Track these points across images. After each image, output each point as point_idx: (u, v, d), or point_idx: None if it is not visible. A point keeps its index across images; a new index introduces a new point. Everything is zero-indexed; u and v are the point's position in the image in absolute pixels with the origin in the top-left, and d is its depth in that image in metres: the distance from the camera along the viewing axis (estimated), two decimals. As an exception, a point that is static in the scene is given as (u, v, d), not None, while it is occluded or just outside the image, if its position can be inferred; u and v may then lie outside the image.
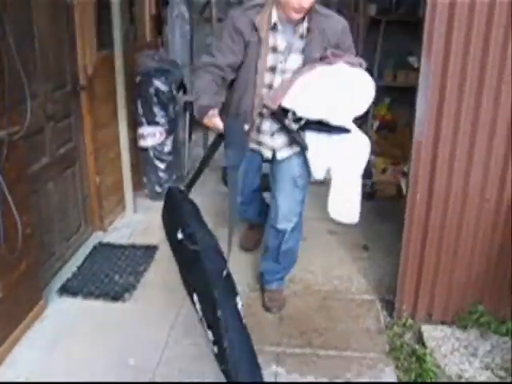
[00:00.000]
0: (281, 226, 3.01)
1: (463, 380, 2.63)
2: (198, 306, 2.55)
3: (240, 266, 3.55)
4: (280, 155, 2.90)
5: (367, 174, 4.70)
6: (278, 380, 2.65)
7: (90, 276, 3.44)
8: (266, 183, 3.16)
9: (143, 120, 4.42)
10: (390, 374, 2.72)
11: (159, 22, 5.30)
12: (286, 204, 2.96)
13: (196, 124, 5.14)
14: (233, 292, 2.45)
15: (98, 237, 3.97)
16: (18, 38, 2.67)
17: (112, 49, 3.88)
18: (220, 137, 2.58)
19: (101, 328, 2.98)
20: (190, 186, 2.80)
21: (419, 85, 2.67)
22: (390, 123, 5.74)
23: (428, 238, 2.89)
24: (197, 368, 2.69)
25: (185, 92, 4.99)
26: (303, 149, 2.76)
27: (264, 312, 3.17)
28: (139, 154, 4.56)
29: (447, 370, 2.70)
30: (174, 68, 4.70)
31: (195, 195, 2.89)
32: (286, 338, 2.96)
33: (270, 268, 3.22)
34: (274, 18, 2.64)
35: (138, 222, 4.24)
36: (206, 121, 2.59)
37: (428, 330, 2.95)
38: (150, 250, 3.76)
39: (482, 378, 2.65)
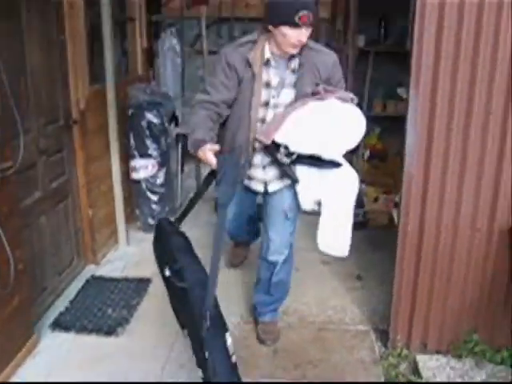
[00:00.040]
0: (272, 258, 3.03)
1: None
2: (189, 342, 2.51)
3: (233, 298, 3.55)
4: (271, 188, 2.92)
5: (359, 203, 4.72)
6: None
7: (82, 310, 3.42)
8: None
9: (135, 153, 4.43)
10: (385, 405, 2.71)
11: (151, 55, 5.37)
12: (277, 237, 2.98)
13: (188, 156, 5.16)
14: (222, 329, 2.35)
15: (90, 270, 3.95)
16: (11, 74, 2.70)
17: (104, 82, 3.92)
18: (212, 173, 2.58)
19: (94, 364, 2.95)
20: (180, 219, 2.77)
21: (408, 116, 2.71)
22: (380, 152, 5.77)
23: (421, 265, 2.90)
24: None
25: (177, 124, 5.02)
26: (294, 182, 2.78)
27: (258, 344, 3.15)
28: (132, 187, 4.56)
29: (443, 401, 2.69)
30: (165, 100, 4.73)
31: (189, 226, 2.88)
32: (281, 370, 2.94)
33: (262, 300, 3.21)
34: (267, 54, 2.68)
35: (131, 254, 4.23)
36: (200, 154, 2.58)
37: (423, 360, 2.94)
38: (143, 283, 3.74)
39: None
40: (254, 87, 2.69)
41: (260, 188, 2.95)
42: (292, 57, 2.68)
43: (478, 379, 2.80)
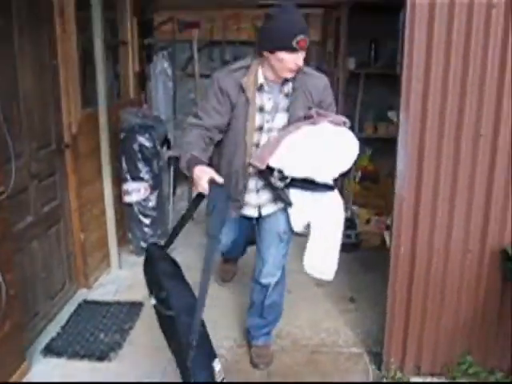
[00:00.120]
0: (265, 280, 3.03)
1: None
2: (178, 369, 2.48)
3: (226, 321, 3.53)
4: (265, 211, 2.92)
5: (352, 225, 4.75)
6: None
7: (74, 335, 3.40)
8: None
9: (128, 176, 4.43)
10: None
11: (142, 79, 5.39)
12: (271, 259, 2.98)
13: (180, 178, 5.18)
14: (209, 356, 2.33)
15: (82, 294, 3.93)
16: (4, 99, 2.71)
17: (96, 106, 3.93)
18: (199, 196, 2.53)
19: (86, 389, 2.93)
20: (168, 243, 2.74)
21: (399, 139, 2.74)
22: (372, 174, 5.78)
23: (413, 288, 2.91)
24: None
25: (169, 147, 5.03)
26: (288, 205, 2.78)
27: (252, 368, 3.13)
28: (124, 210, 4.56)
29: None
30: (157, 124, 4.74)
31: (181, 249, 2.87)
32: (275, 394, 2.93)
33: (255, 323, 3.20)
34: (261, 79, 2.68)
35: (124, 278, 4.21)
36: (196, 172, 2.46)
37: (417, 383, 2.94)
38: (136, 307, 3.72)
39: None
40: (248, 112, 2.68)
41: (253, 213, 2.94)
42: (285, 81, 2.69)
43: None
